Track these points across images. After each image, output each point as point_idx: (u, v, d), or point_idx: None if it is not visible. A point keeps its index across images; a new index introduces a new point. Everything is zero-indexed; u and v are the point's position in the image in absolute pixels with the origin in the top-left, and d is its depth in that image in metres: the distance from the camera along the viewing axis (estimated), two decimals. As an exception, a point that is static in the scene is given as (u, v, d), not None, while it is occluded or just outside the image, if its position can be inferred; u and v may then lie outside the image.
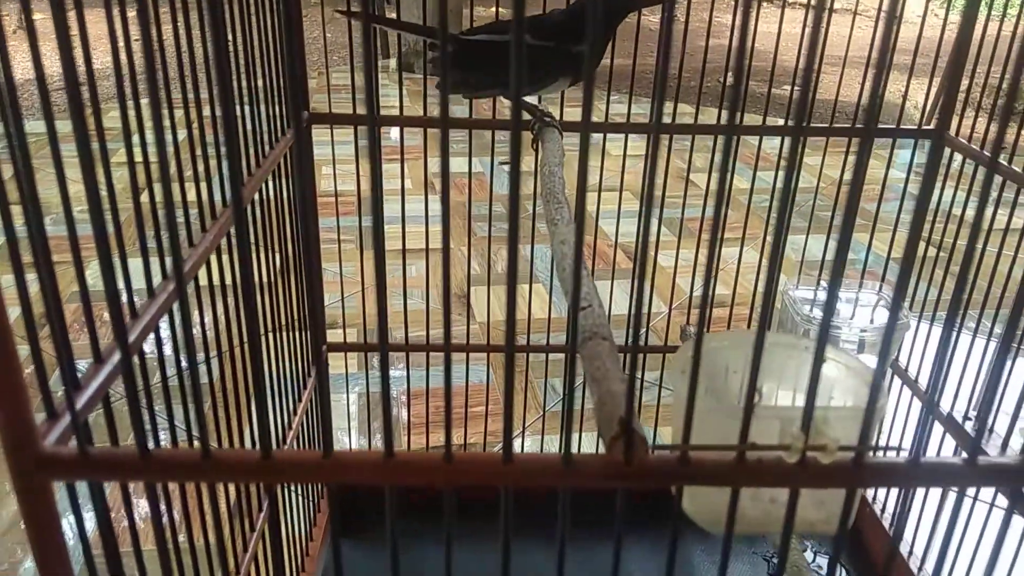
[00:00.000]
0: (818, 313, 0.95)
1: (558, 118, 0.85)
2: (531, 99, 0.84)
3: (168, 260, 0.53)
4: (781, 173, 0.31)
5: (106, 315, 0.37)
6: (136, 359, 0.46)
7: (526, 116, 0.83)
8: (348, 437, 1.52)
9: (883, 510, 1.12)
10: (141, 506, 1.24)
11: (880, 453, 0.37)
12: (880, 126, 0.98)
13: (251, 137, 0.70)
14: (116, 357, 0.43)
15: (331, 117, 0.87)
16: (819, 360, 0.33)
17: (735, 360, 0.44)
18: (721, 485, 0.38)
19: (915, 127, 0.95)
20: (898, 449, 0.35)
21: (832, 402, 0.43)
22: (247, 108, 0.70)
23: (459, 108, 1.66)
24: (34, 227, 0.37)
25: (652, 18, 5.38)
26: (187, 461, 0.35)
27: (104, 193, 0.40)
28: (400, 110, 0.96)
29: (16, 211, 0.35)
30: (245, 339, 0.68)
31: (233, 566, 0.74)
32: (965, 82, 0.96)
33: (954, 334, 0.91)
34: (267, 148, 0.74)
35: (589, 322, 0.44)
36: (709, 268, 0.34)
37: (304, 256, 0.83)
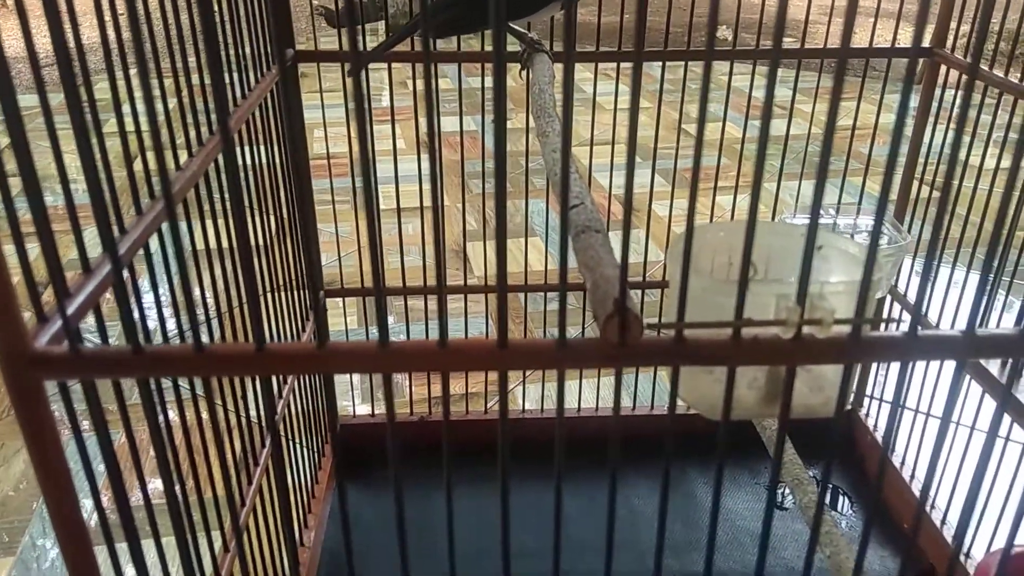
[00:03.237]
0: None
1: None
2: (520, 26, 0.82)
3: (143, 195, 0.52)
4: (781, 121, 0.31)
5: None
6: (126, 273, 0.46)
7: (517, 45, 0.82)
8: (351, 403, 1.50)
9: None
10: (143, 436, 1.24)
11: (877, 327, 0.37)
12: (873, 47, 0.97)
13: (235, 66, 0.69)
14: (105, 268, 0.42)
15: (318, 55, 0.86)
16: (814, 224, 0.33)
17: (731, 245, 0.43)
18: (717, 364, 0.37)
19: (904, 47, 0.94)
20: (898, 321, 0.34)
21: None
22: (231, 44, 0.69)
23: (448, 67, 1.64)
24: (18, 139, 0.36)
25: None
26: (180, 355, 0.35)
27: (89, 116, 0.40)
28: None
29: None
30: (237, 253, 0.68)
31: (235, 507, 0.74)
32: (953, 25, 0.94)
33: (940, 238, 0.91)
34: (252, 82, 0.74)
35: (582, 218, 0.44)
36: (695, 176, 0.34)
37: (295, 185, 0.83)
